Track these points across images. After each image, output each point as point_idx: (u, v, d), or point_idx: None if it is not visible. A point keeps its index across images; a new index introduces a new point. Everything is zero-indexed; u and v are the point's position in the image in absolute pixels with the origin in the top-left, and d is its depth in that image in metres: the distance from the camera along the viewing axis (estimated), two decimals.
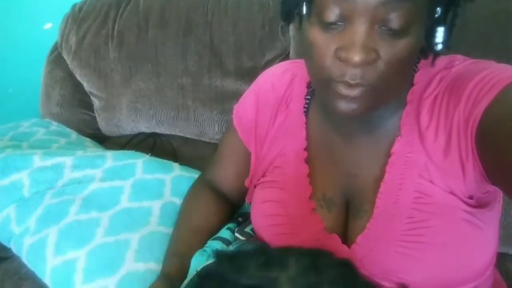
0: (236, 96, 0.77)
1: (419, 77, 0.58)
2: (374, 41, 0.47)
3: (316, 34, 0.50)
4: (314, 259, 0.36)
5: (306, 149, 0.65)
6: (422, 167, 0.56)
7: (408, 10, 0.45)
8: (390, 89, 0.52)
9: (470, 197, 0.55)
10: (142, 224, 0.78)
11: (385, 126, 0.59)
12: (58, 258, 0.76)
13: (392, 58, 0.47)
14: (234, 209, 0.84)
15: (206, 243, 0.73)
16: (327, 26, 0.48)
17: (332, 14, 0.47)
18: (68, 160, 0.93)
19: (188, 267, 0.69)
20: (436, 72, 0.57)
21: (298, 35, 1.07)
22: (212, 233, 0.76)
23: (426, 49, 0.53)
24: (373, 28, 0.46)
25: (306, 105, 0.67)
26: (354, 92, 0.49)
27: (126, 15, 1.18)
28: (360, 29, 0.46)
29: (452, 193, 0.55)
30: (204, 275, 0.32)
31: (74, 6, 1.27)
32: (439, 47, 0.51)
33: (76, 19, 1.23)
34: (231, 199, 0.82)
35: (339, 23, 0.48)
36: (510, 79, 0.50)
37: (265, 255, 0.36)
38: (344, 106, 0.51)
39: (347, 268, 0.36)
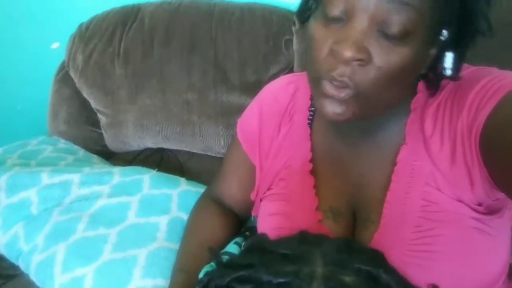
0: (241, 110, 0.77)
1: (423, 85, 0.58)
2: (369, 42, 0.46)
3: (317, 29, 0.50)
4: (348, 242, 0.38)
5: (311, 160, 0.65)
6: (428, 175, 0.56)
7: (409, 18, 0.45)
8: (380, 99, 0.51)
9: (479, 204, 0.55)
10: (150, 240, 0.78)
11: (390, 135, 0.59)
12: (66, 276, 0.76)
13: (385, 65, 0.47)
14: (240, 223, 0.83)
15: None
16: (329, 21, 0.48)
17: (336, 9, 0.47)
18: (75, 177, 0.94)
19: (195, 282, 0.69)
20: None
21: (303, 48, 1.08)
22: (219, 247, 0.75)
23: (432, 72, 0.53)
24: (371, 28, 0.46)
25: (310, 117, 0.67)
26: (341, 94, 0.49)
27: (131, 33, 1.20)
28: (357, 25, 0.46)
29: (460, 200, 0.54)
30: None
31: (81, 25, 1.29)
32: (448, 72, 0.51)
33: (83, 38, 1.25)
34: (238, 213, 0.81)
35: (341, 19, 0.48)
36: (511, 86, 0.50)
37: (302, 236, 0.38)
38: (329, 108, 0.51)
39: (378, 254, 0.37)
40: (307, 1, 0.54)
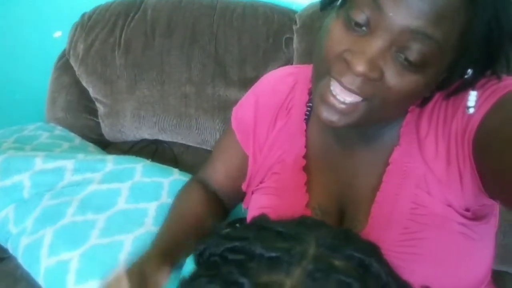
0: None
1: None
2: (384, 61, 0.45)
3: (337, 26, 0.48)
4: (346, 230, 0.38)
5: (305, 156, 0.64)
6: (420, 177, 0.55)
7: (431, 49, 0.44)
8: (380, 115, 0.51)
9: (467, 209, 0.55)
10: (137, 225, 0.78)
11: (385, 136, 0.59)
12: (51, 259, 0.75)
13: (396, 87, 0.46)
14: (224, 209, 0.80)
15: (193, 231, 0.69)
16: (350, 25, 0.47)
17: (360, 15, 0.46)
18: (69, 164, 0.93)
19: (175, 258, 0.65)
20: None
21: (303, 46, 1.08)
22: (199, 221, 0.71)
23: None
24: (390, 48, 0.45)
25: (307, 113, 0.66)
26: (340, 106, 0.49)
27: (133, 24, 1.20)
28: (377, 42, 0.45)
29: (449, 205, 0.54)
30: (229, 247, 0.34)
31: (83, 15, 1.30)
32: (470, 111, 0.50)
33: (84, 28, 1.25)
34: (221, 199, 0.80)
35: (363, 28, 0.46)
36: (507, 89, 0.50)
37: (302, 219, 0.39)
38: (325, 114, 0.50)
39: (373, 245, 0.37)
40: None
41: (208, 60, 1.13)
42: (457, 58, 0.47)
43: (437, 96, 0.56)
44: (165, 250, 0.65)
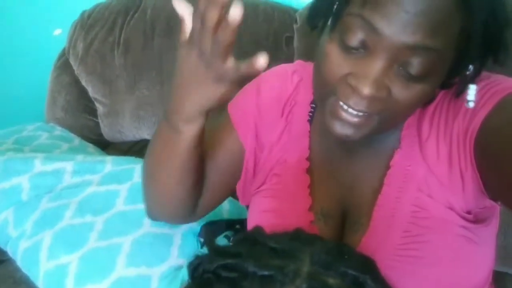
0: None
1: None
2: (389, 78, 0.45)
3: (333, 50, 0.48)
4: (340, 245, 0.38)
5: (308, 158, 0.63)
6: (422, 180, 0.55)
7: (432, 60, 0.44)
8: (393, 124, 0.51)
9: (468, 212, 0.54)
10: (135, 227, 0.78)
11: (386, 139, 0.58)
12: (51, 262, 0.76)
13: (404, 100, 0.46)
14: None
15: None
16: (346, 47, 0.46)
17: (355, 39, 0.45)
18: (68, 165, 0.93)
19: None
20: None
21: (303, 45, 1.07)
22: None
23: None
24: (392, 66, 0.45)
25: (310, 113, 0.64)
26: (353, 120, 0.48)
27: (133, 23, 1.20)
28: (378, 63, 0.45)
29: (450, 208, 0.54)
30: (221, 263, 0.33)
31: (83, 13, 1.29)
32: (470, 105, 0.50)
33: (84, 26, 1.25)
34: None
35: (359, 50, 0.46)
36: (508, 90, 0.49)
37: (296, 233, 0.39)
38: (339, 129, 0.50)
39: (368, 261, 0.37)
40: (322, 12, 0.51)
41: None
42: (458, 58, 0.47)
43: (439, 98, 0.55)
44: None
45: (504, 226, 0.85)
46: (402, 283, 0.54)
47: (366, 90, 0.45)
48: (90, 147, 1.18)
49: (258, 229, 0.39)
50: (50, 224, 0.81)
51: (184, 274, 0.70)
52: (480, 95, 0.51)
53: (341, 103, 0.48)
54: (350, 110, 0.48)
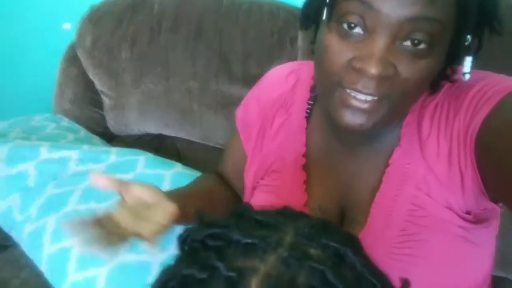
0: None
1: None
2: (394, 56, 0.45)
3: (332, 40, 0.47)
4: (324, 221, 0.38)
5: (304, 155, 0.64)
6: (420, 179, 0.55)
7: (435, 29, 0.44)
8: (403, 106, 0.50)
9: (468, 213, 0.54)
10: None
11: (386, 137, 0.58)
12: (54, 246, 0.77)
13: (411, 76, 0.46)
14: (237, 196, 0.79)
15: (205, 199, 0.69)
16: (346, 34, 0.46)
17: (354, 21, 0.45)
18: (73, 154, 0.95)
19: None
20: None
21: (307, 44, 1.08)
22: (211, 193, 0.72)
23: (447, 76, 0.52)
24: (394, 43, 0.44)
25: (308, 110, 0.65)
26: (364, 106, 0.47)
27: (140, 18, 1.21)
28: (380, 41, 0.44)
29: (449, 207, 0.53)
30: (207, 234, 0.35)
31: (92, 7, 1.31)
32: (466, 77, 0.50)
33: (93, 20, 1.26)
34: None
35: (359, 33, 0.46)
36: (508, 90, 0.49)
37: (283, 209, 0.40)
38: (351, 118, 0.49)
39: (351, 236, 0.37)
40: (315, 7, 0.52)
41: (213, 56, 1.14)
42: (457, 28, 0.46)
43: (439, 96, 0.55)
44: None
45: (503, 230, 0.84)
46: (397, 282, 0.55)
47: (373, 69, 0.44)
48: (96, 138, 1.19)
49: (246, 205, 0.40)
50: (54, 209, 0.83)
51: None
52: (480, 94, 0.51)
53: (348, 91, 0.48)
54: (359, 96, 0.47)
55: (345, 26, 0.46)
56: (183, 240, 0.37)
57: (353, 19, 0.45)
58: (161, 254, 0.74)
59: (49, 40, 1.54)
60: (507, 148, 0.45)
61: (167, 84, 1.17)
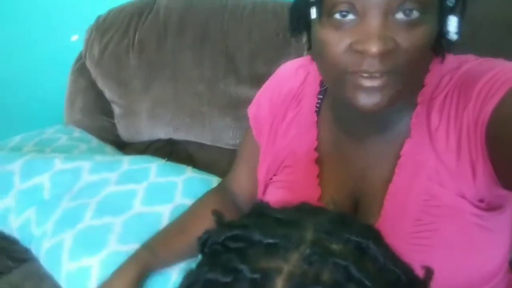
0: (250, 102, 0.77)
1: (429, 78, 0.56)
2: (390, 30, 0.46)
3: (328, 34, 0.48)
4: (342, 215, 0.38)
5: (316, 149, 0.64)
6: (432, 169, 0.54)
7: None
8: (412, 77, 0.50)
9: (481, 200, 0.53)
10: (152, 232, 0.77)
11: (396, 128, 0.58)
12: (72, 264, 0.77)
13: (411, 46, 0.46)
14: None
15: (191, 244, 0.72)
16: (338, 22, 0.47)
17: (344, 6, 0.46)
18: (86, 164, 0.95)
19: (158, 264, 0.71)
20: (446, 72, 0.56)
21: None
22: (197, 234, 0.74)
23: (439, 41, 0.51)
24: (388, 18, 0.45)
25: (318, 104, 0.66)
26: (376, 83, 0.47)
27: (146, 24, 1.21)
28: (374, 20, 0.45)
29: (462, 196, 0.53)
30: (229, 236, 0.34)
31: (98, 17, 1.31)
32: (454, 36, 0.50)
33: (99, 30, 1.26)
34: (241, 204, 0.80)
35: (352, 18, 0.47)
36: None
37: (301, 205, 0.40)
38: (365, 100, 0.49)
39: (371, 228, 0.37)
40: (302, 11, 0.52)
41: (219, 58, 1.13)
42: None
43: (449, 87, 0.54)
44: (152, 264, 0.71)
45: None
46: (417, 271, 0.54)
47: (374, 47, 0.45)
48: (108, 147, 1.19)
49: (263, 203, 0.39)
50: (70, 224, 0.82)
51: None
52: (489, 85, 0.50)
53: (356, 75, 0.48)
54: (368, 75, 0.48)
55: (337, 16, 0.47)
56: (203, 243, 0.37)
57: (344, 7, 0.46)
58: None
59: (57, 52, 1.55)
60: None
61: (176, 88, 1.17)
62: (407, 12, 0.45)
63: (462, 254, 0.54)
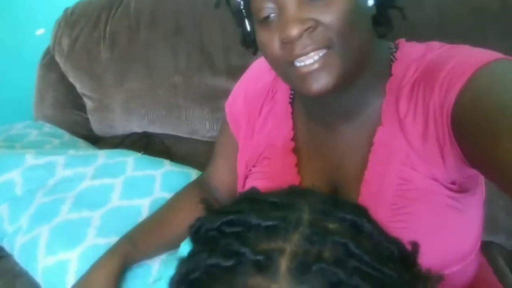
0: (226, 94, 0.77)
1: (397, 67, 0.57)
2: (308, 11, 0.48)
3: (263, 36, 0.52)
4: (333, 196, 0.39)
5: (293, 139, 0.64)
6: (404, 154, 0.55)
7: None
8: (350, 51, 0.51)
9: (453, 183, 0.54)
10: (132, 225, 0.75)
11: (366, 117, 0.58)
12: (49, 258, 0.73)
13: (333, 19, 0.48)
14: None
15: (170, 236, 0.73)
16: (266, 22, 0.51)
17: (266, 9, 0.50)
18: (60, 159, 0.91)
19: (138, 256, 0.71)
20: (412, 61, 0.57)
21: None
22: (180, 227, 0.73)
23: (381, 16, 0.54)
24: (303, 2, 0.48)
25: (291, 95, 0.67)
26: (314, 66, 0.50)
27: (117, 17, 1.17)
28: (289, 6, 0.48)
29: (434, 179, 0.54)
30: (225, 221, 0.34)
31: (66, 10, 1.27)
32: (370, 2, 0.52)
33: (68, 22, 1.22)
34: (219, 198, 0.80)
35: (274, 15, 0.50)
36: (478, 65, 0.49)
37: (291, 188, 0.41)
38: (313, 85, 0.51)
39: (361, 207, 0.38)
40: (245, 26, 0.57)
41: (194, 50, 1.11)
42: None
43: (416, 76, 0.55)
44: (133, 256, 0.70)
45: (490, 196, 0.86)
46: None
47: (293, 30, 0.48)
48: (81, 142, 1.15)
49: (254, 189, 0.40)
50: (46, 219, 0.78)
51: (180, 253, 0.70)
52: (452, 72, 0.51)
53: (296, 63, 0.51)
54: (307, 60, 0.50)
55: (264, 18, 0.51)
56: (195, 231, 0.36)
57: (265, 11, 0.50)
58: None
59: (22, 47, 1.49)
60: (480, 122, 0.46)
61: (150, 81, 1.14)
62: None
63: (436, 236, 0.55)
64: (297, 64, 0.51)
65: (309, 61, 0.50)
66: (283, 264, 0.30)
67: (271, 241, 0.32)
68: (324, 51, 0.50)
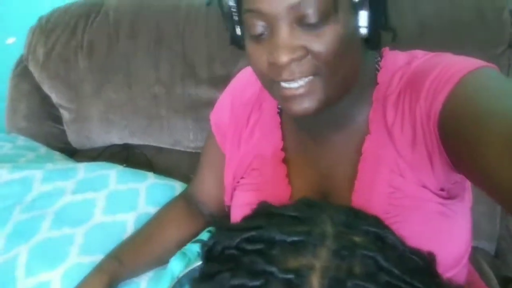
0: (210, 104, 0.75)
1: (382, 76, 0.57)
2: (298, 38, 0.47)
3: (251, 48, 0.51)
4: (351, 208, 0.38)
5: (283, 149, 0.63)
6: (393, 162, 0.55)
7: (323, 2, 0.46)
8: (338, 77, 0.51)
9: (442, 189, 0.55)
10: (117, 241, 0.72)
11: (354, 125, 0.58)
12: (30, 280, 0.69)
13: (323, 48, 0.48)
14: (205, 225, 0.78)
15: (158, 252, 0.72)
16: (257, 38, 0.50)
17: (258, 27, 0.49)
18: (37, 173, 0.86)
19: (125, 274, 0.68)
20: (397, 69, 0.57)
21: None
22: (167, 243, 0.72)
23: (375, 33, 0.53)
24: (293, 27, 0.47)
25: (279, 106, 0.66)
26: (299, 91, 0.50)
27: (96, 26, 1.13)
28: (280, 32, 0.47)
29: (424, 186, 0.54)
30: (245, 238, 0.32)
31: (41, 18, 1.21)
32: (363, 31, 0.51)
33: (44, 31, 1.17)
34: (206, 212, 0.78)
35: (266, 33, 0.49)
36: (462, 73, 0.50)
37: (308, 201, 0.39)
38: (295, 107, 0.51)
39: (380, 220, 0.37)
40: (235, 30, 0.55)
41: (176, 60, 1.08)
42: None
43: (402, 85, 0.56)
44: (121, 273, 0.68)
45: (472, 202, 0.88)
46: None
47: (283, 58, 0.47)
48: (57, 154, 1.09)
49: (267, 204, 0.38)
50: (24, 237, 0.73)
51: (172, 271, 0.68)
52: (437, 80, 0.51)
53: (281, 84, 0.50)
54: (292, 84, 0.50)
55: (253, 34, 0.50)
56: (209, 249, 0.34)
57: (258, 29, 0.49)
58: None
59: None
60: (465, 128, 0.46)
61: (130, 91, 1.11)
62: (308, 19, 0.46)
63: (428, 242, 0.54)
64: (283, 84, 0.50)
65: (294, 85, 0.50)
66: (315, 281, 0.29)
67: (299, 257, 0.30)
68: (311, 77, 0.50)
